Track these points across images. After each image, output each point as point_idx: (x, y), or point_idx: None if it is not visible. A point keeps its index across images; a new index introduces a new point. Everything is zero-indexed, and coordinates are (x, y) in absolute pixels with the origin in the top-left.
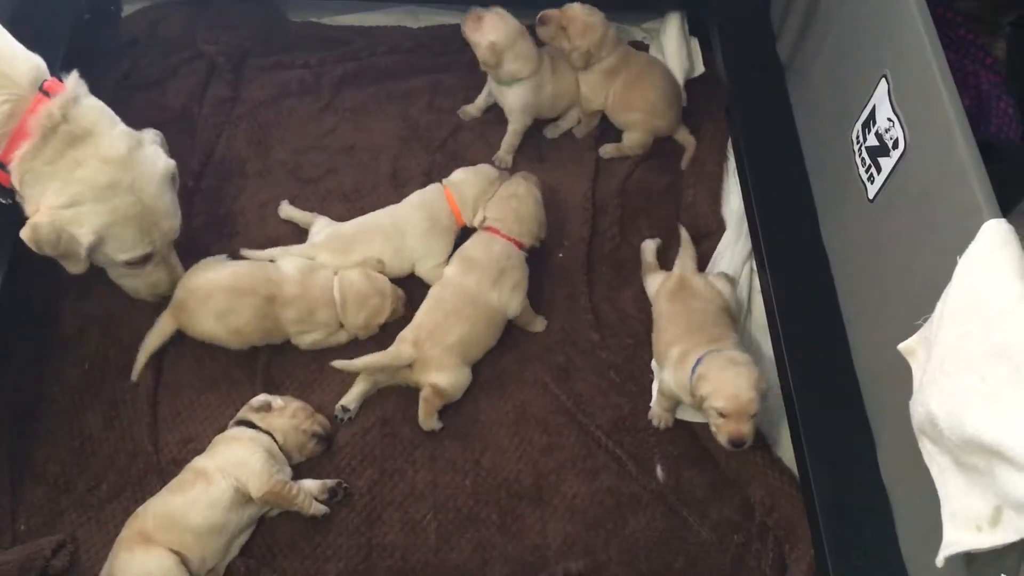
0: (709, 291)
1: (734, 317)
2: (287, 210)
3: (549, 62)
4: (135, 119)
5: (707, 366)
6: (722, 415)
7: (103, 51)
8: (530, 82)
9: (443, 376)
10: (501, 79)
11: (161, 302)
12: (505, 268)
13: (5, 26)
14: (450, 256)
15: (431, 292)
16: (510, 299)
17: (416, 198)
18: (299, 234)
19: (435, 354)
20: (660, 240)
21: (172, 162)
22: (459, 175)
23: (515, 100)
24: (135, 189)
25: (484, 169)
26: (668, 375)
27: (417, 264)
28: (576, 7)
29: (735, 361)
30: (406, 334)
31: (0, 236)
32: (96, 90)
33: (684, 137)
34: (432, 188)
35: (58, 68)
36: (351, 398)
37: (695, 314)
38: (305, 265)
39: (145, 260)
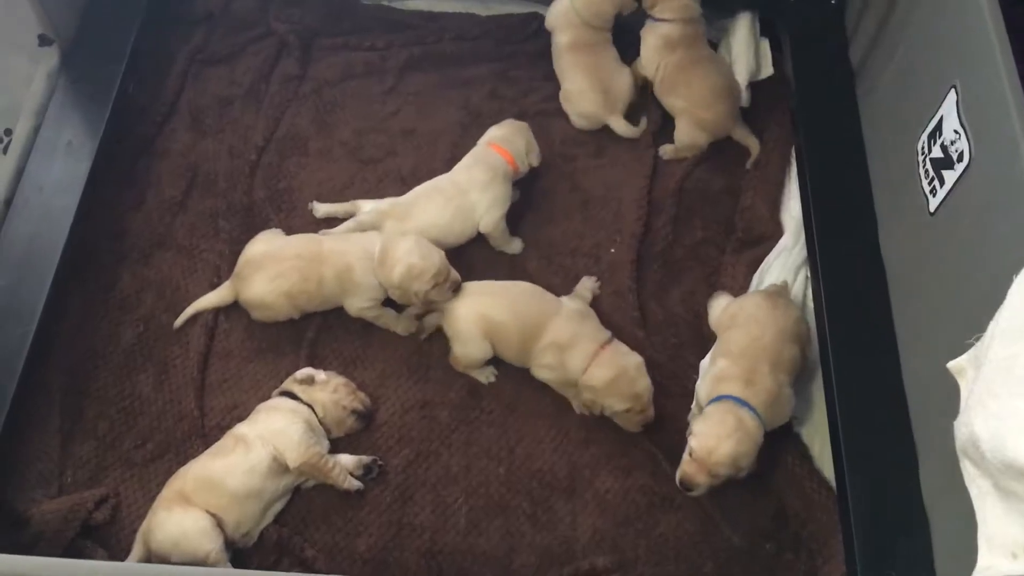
0: (796, 313)
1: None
2: (323, 208)
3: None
4: (205, 92)
5: (716, 411)
6: (691, 454)
7: (178, 24)
8: None
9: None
10: None
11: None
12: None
13: None
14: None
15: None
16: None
17: (468, 159)
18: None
19: None
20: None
21: None
22: (500, 131)
23: None
24: None
25: (517, 122)
26: (702, 384)
27: (482, 220)
28: None
29: (741, 425)
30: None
31: (68, 198)
32: (169, 63)
33: (746, 139)
34: (478, 148)
35: (134, 38)
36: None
37: (777, 335)
38: (356, 227)
39: None
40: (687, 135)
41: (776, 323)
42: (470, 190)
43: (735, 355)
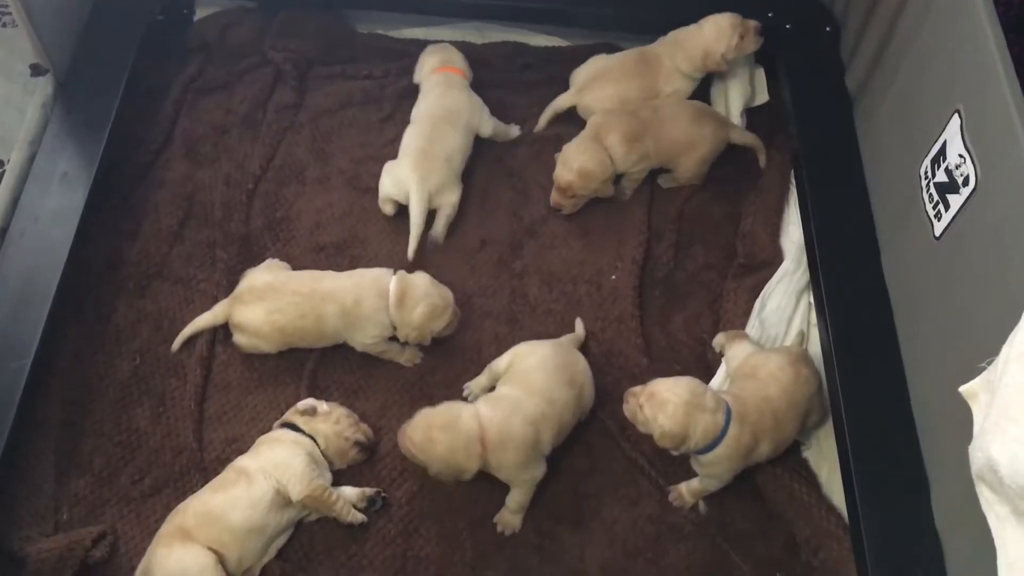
0: (812, 389)
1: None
2: (389, 207)
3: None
4: (201, 122)
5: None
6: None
7: (173, 53)
8: None
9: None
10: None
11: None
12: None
13: (80, 26)
14: None
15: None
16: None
17: (438, 88)
18: (353, 239)
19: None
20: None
21: None
22: (437, 55)
23: None
24: None
25: (442, 44)
26: None
27: (481, 129)
28: (571, 171)
29: (702, 401)
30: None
31: (63, 229)
32: (164, 92)
33: (745, 139)
34: (437, 76)
35: (129, 67)
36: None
37: (788, 408)
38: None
39: None
40: (692, 173)
41: (792, 397)
42: (462, 111)
43: (744, 399)
